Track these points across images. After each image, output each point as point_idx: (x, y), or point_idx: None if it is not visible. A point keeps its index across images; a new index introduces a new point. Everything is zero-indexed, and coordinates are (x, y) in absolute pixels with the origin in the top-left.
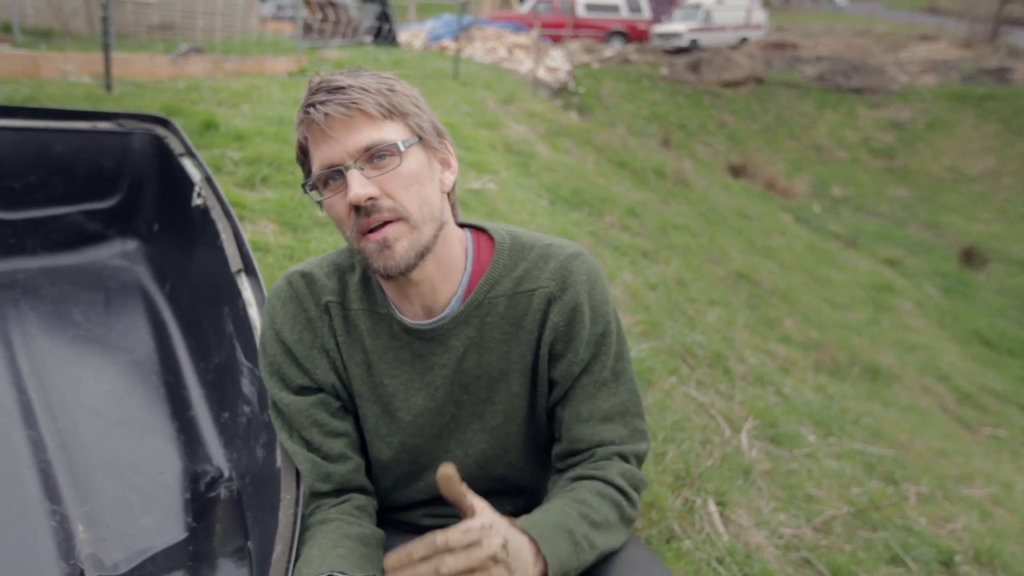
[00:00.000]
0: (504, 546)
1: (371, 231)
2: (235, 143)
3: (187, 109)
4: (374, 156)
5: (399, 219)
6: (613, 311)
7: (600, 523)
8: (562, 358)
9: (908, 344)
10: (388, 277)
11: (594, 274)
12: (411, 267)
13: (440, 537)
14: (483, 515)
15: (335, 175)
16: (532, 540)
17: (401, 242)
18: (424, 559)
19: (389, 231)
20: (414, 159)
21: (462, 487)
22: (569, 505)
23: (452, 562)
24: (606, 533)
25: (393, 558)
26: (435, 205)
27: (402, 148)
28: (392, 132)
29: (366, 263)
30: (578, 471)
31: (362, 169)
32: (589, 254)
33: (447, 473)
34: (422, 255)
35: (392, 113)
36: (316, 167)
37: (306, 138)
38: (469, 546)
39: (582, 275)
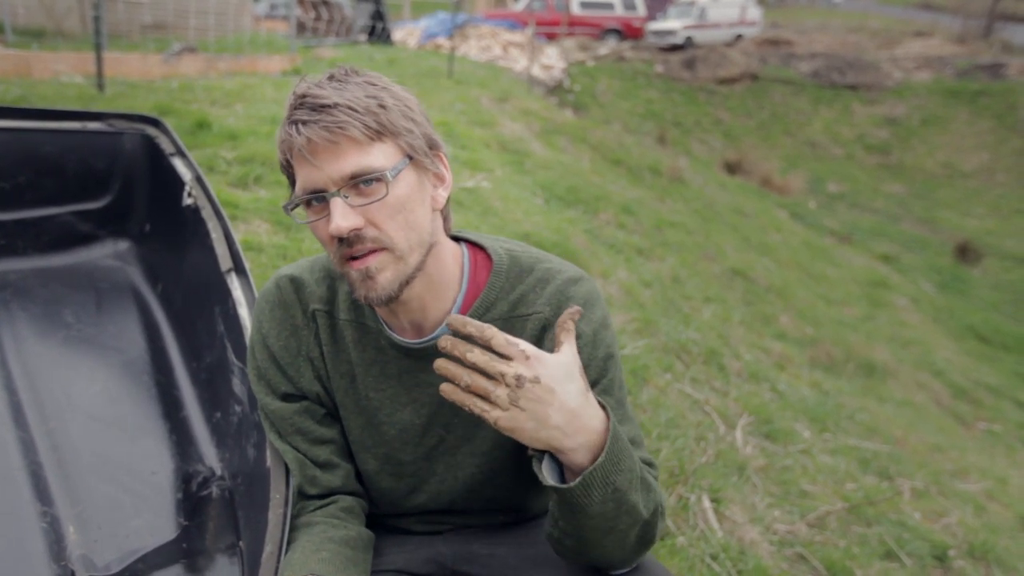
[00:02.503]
0: (526, 381)
1: (354, 259)
2: (228, 142)
3: (180, 109)
4: (362, 182)
5: (383, 249)
6: (614, 338)
7: (648, 481)
8: None
9: (903, 340)
10: (371, 306)
11: (593, 298)
12: (393, 297)
13: (489, 332)
14: (546, 353)
15: (320, 197)
16: (606, 414)
17: (384, 273)
18: (471, 337)
19: (372, 261)
20: (403, 184)
21: (571, 325)
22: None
23: (478, 356)
24: (646, 494)
25: (457, 319)
26: (424, 229)
27: (390, 177)
28: (380, 157)
29: (350, 288)
30: None
31: (346, 197)
32: (590, 279)
33: (572, 312)
34: (407, 283)
35: (381, 134)
36: (298, 188)
37: (286, 152)
38: (503, 355)
39: (579, 300)
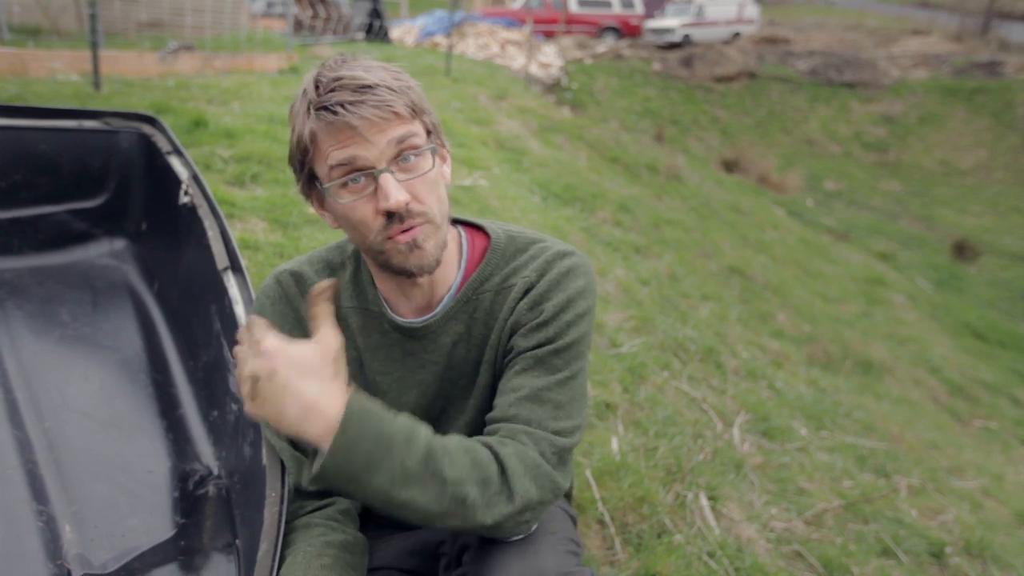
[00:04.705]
0: (258, 379)
1: (399, 232)
2: (225, 141)
3: (176, 107)
4: (402, 159)
5: (426, 221)
6: (586, 311)
7: (443, 473)
8: (515, 333)
9: (900, 337)
10: (413, 276)
11: (576, 270)
12: (439, 264)
13: (249, 321)
14: (291, 346)
15: (358, 177)
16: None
17: (429, 242)
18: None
19: (418, 232)
20: (435, 161)
21: (325, 307)
22: (426, 440)
23: (238, 350)
24: (438, 487)
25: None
26: (447, 204)
27: (434, 152)
28: (419, 134)
29: (389, 263)
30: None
31: (393, 173)
32: (582, 255)
33: (319, 287)
34: (443, 252)
35: (415, 112)
36: (334, 166)
37: (316, 135)
38: (249, 346)
39: (563, 268)
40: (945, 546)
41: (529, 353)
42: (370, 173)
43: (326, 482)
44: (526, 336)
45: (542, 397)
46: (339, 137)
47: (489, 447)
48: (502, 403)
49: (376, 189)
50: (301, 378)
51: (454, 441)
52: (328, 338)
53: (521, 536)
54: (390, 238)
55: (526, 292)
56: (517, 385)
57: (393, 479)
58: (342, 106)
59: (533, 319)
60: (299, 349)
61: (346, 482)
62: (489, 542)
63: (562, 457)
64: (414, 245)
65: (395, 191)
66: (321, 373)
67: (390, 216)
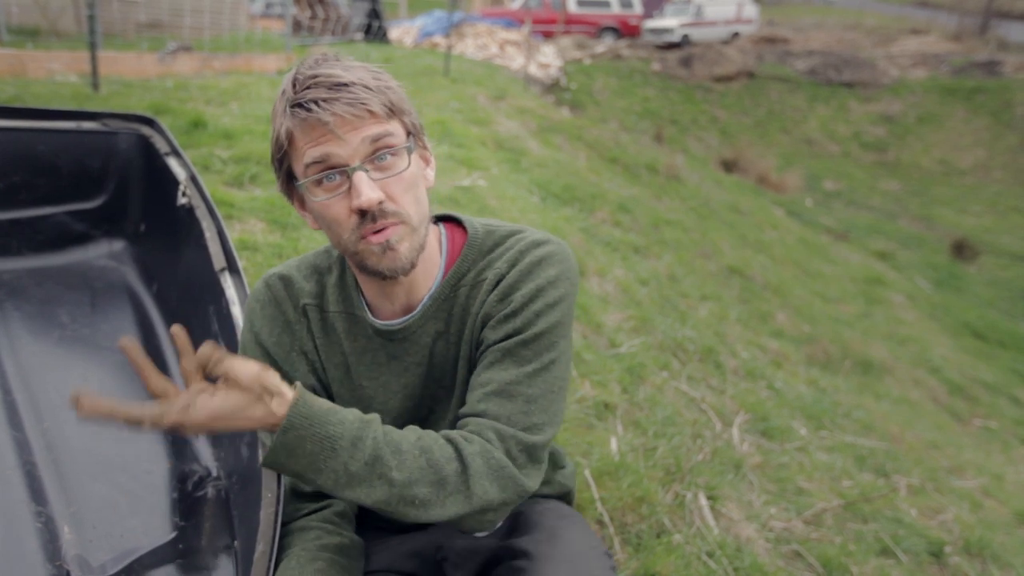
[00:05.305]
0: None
1: (372, 233)
2: (223, 141)
3: (175, 108)
4: (377, 158)
5: (401, 222)
6: (558, 300)
7: (389, 475)
8: (485, 326)
9: (900, 337)
10: (386, 278)
11: (550, 258)
12: (413, 266)
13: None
14: (208, 402)
15: (332, 175)
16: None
17: (403, 244)
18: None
19: (392, 233)
20: (413, 161)
21: (142, 360)
22: (374, 442)
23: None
24: (385, 487)
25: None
26: (426, 205)
27: (411, 151)
28: (396, 133)
29: (363, 264)
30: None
31: (367, 171)
32: (559, 243)
33: (125, 345)
34: (419, 254)
35: (393, 112)
36: (309, 164)
37: (291, 133)
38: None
39: (535, 257)
40: (945, 545)
41: (498, 345)
42: (344, 171)
43: (275, 470)
44: (495, 328)
45: (511, 392)
46: (313, 134)
47: (454, 444)
48: (472, 399)
49: (350, 188)
50: (239, 413)
51: (410, 440)
52: (239, 371)
53: (486, 533)
54: (363, 238)
55: (497, 284)
56: (486, 380)
57: (337, 480)
58: (316, 103)
59: (502, 310)
60: (217, 400)
61: (293, 476)
62: (530, 564)
63: (532, 455)
64: (387, 247)
65: (367, 189)
66: (252, 404)
67: (363, 215)
